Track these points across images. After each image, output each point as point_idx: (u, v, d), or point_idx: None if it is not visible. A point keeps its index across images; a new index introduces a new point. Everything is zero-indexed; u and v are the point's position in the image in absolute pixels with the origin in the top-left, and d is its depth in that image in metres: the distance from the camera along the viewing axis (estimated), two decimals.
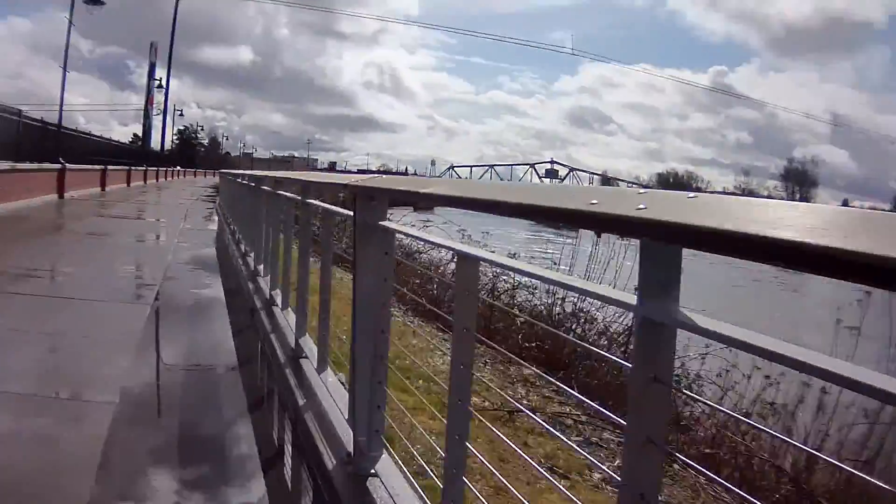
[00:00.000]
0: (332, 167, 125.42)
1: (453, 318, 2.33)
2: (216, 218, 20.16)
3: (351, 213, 3.39)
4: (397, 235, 3.26)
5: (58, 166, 23.33)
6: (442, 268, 10.83)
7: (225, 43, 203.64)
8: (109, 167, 31.89)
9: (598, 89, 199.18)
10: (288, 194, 6.14)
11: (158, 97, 69.45)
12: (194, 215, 21.58)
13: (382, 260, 3.10)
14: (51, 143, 24.23)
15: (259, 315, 6.17)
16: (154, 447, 3.79)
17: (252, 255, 8.29)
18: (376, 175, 3.82)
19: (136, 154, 49.27)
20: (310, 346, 4.51)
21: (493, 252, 4.89)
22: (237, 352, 5.91)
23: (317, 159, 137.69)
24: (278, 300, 5.97)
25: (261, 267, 7.40)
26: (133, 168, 39.18)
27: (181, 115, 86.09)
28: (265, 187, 7.64)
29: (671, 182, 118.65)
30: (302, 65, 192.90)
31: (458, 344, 2.28)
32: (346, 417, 3.31)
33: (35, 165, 21.01)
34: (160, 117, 69.99)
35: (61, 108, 27.19)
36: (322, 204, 4.69)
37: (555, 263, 9.75)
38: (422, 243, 9.23)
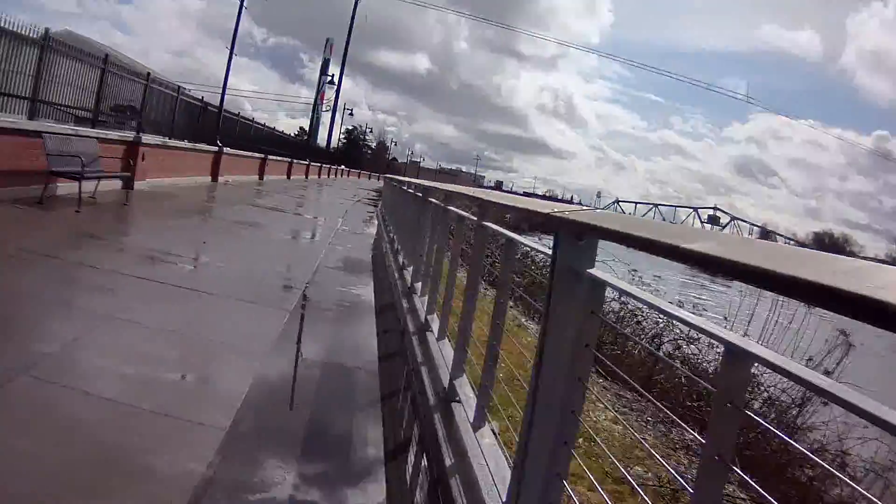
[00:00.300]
0: (498, 186, 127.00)
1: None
2: (376, 223, 19.76)
3: (547, 250, 2.83)
4: (607, 288, 2.54)
5: (214, 149, 23.19)
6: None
7: (403, 48, 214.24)
8: (270, 157, 30.77)
9: (765, 140, 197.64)
10: (460, 212, 5.70)
11: (329, 94, 70.74)
12: (353, 217, 20.79)
13: (587, 319, 2.46)
14: (210, 125, 24.29)
15: (410, 341, 5.65)
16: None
17: (410, 269, 7.87)
18: (584, 208, 3.46)
19: (301, 147, 49.26)
20: (466, 390, 3.97)
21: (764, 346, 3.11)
22: (381, 386, 5.49)
23: (483, 176, 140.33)
24: (434, 327, 5.43)
25: (418, 285, 6.98)
26: (295, 161, 38.27)
27: (351, 114, 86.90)
28: (433, 200, 7.29)
29: (826, 243, 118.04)
30: (478, 80, 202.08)
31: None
32: (504, 501, 2.72)
33: (189, 145, 20.59)
34: (329, 114, 71.37)
35: (224, 91, 26.28)
36: (508, 233, 3.87)
37: (725, 319, 9.33)
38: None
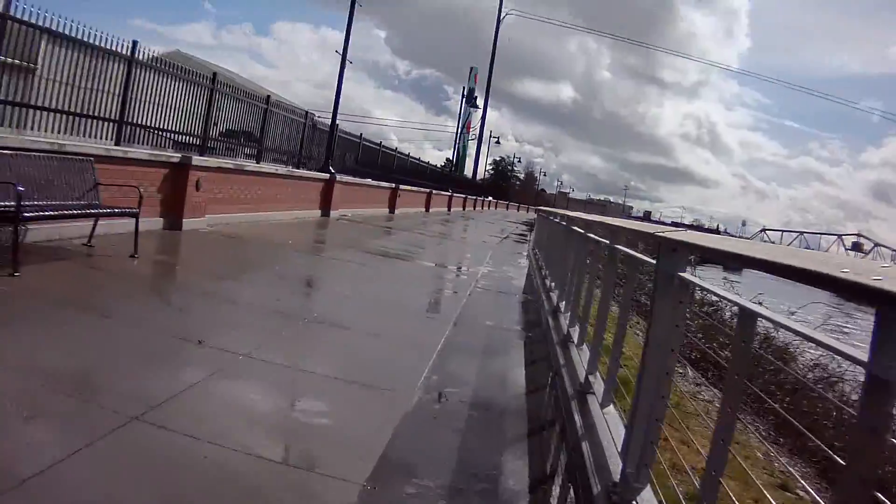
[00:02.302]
0: (646, 216, 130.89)
1: (728, 370, 2.79)
2: (525, 263, 17.33)
3: (654, 262, 3.92)
4: (696, 289, 3.67)
5: (323, 176, 20.56)
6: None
7: (546, 78, 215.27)
8: (402, 186, 26.07)
9: None
10: (596, 237, 6.52)
11: (475, 122, 68.54)
12: (497, 261, 17.30)
13: (677, 308, 3.47)
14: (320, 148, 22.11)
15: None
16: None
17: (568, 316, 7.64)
18: (679, 229, 4.81)
19: (443, 177, 43.87)
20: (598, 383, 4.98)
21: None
22: None
23: (632, 207, 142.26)
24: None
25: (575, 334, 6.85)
26: (434, 192, 33.78)
27: (497, 143, 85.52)
28: (576, 228, 8.14)
29: None
30: (621, 109, 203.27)
31: (727, 393, 2.77)
32: (620, 450, 3.76)
33: (279, 169, 17.83)
34: (475, 144, 68.86)
35: (336, 104, 22.19)
36: (627, 249, 5.03)
37: None
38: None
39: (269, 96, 17.44)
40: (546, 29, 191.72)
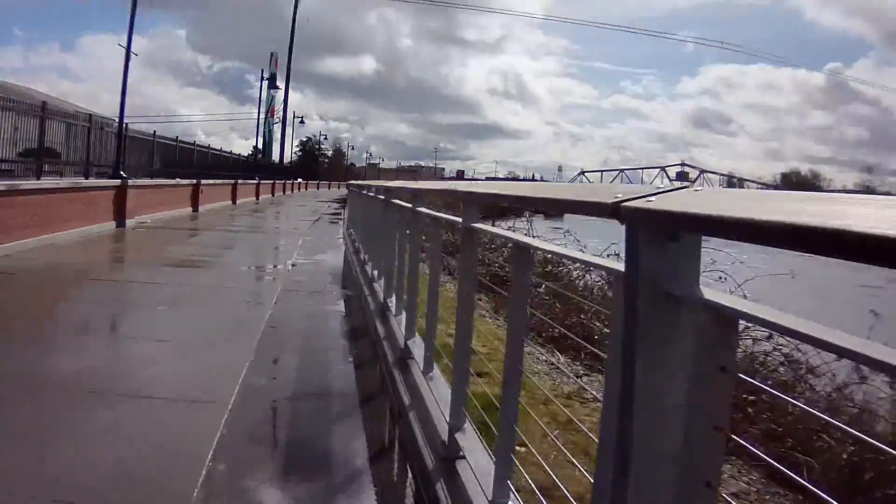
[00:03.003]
0: (459, 176, 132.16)
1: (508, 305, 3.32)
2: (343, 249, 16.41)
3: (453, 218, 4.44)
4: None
5: (111, 183, 18.79)
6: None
7: (347, 53, 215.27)
8: (204, 181, 24.99)
9: (718, 91, 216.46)
10: (400, 202, 6.68)
11: (279, 106, 66.20)
12: (310, 247, 16.79)
13: (470, 254, 3.88)
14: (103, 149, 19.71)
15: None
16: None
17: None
18: (469, 182, 5.59)
19: (248, 166, 43.06)
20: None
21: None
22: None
23: (444, 168, 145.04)
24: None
25: (392, 302, 7.12)
26: (240, 182, 32.56)
27: (302, 122, 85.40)
28: (380, 196, 8.82)
29: (794, 182, 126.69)
30: (425, 74, 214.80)
31: (511, 327, 3.07)
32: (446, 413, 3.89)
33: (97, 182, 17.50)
34: (280, 128, 69.05)
35: (123, 98, 20.31)
36: (428, 211, 5.28)
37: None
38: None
39: (44, 102, 15.51)
40: (343, 4, 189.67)
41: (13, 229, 12.68)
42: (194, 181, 26.65)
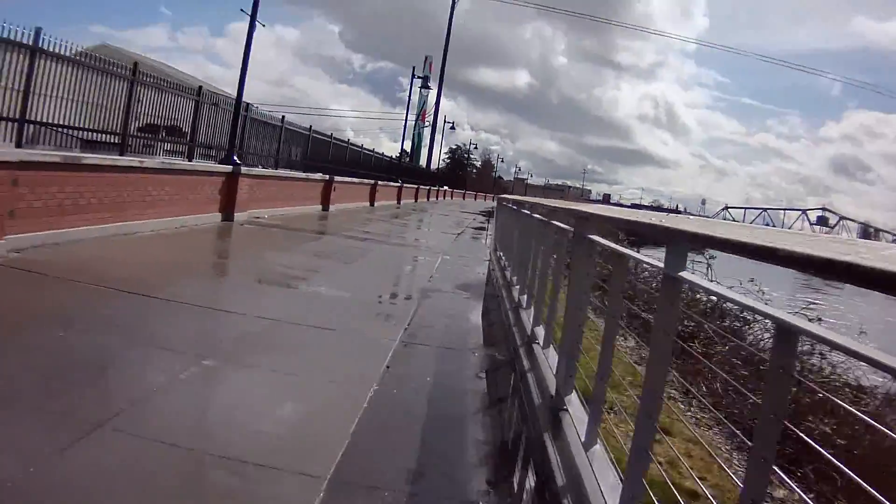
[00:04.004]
0: (605, 200, 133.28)
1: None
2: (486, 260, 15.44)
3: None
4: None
5: (225, 169, 16.51)
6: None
7: (501, 65, 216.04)
8: (339, 178, 22.25)
9: (859, 137, 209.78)
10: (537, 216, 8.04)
11: (430, 111, 64.34)
12: (450, 266, 14.72)
13: (587, 261, 4.85)
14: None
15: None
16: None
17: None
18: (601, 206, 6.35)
19: (392, 167, 40.23)
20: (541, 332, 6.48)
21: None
22: None
23: (590, 190, 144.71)
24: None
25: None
26: (379, 183, 29.44)
27: (452, 128, 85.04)
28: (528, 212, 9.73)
29: None
30: (578, 94, 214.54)
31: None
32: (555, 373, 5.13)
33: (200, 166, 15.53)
34: (431, 134, 63.88)
35: (243, 75, 17.26)
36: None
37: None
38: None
39: (135, 63, 13.47)
40: (501, 16, 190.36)
41: (71, 213, 9.99)
42: (326, 177, 24.90)
